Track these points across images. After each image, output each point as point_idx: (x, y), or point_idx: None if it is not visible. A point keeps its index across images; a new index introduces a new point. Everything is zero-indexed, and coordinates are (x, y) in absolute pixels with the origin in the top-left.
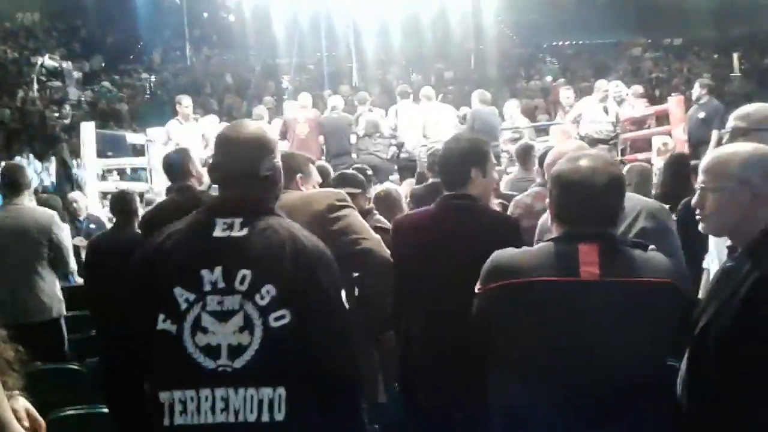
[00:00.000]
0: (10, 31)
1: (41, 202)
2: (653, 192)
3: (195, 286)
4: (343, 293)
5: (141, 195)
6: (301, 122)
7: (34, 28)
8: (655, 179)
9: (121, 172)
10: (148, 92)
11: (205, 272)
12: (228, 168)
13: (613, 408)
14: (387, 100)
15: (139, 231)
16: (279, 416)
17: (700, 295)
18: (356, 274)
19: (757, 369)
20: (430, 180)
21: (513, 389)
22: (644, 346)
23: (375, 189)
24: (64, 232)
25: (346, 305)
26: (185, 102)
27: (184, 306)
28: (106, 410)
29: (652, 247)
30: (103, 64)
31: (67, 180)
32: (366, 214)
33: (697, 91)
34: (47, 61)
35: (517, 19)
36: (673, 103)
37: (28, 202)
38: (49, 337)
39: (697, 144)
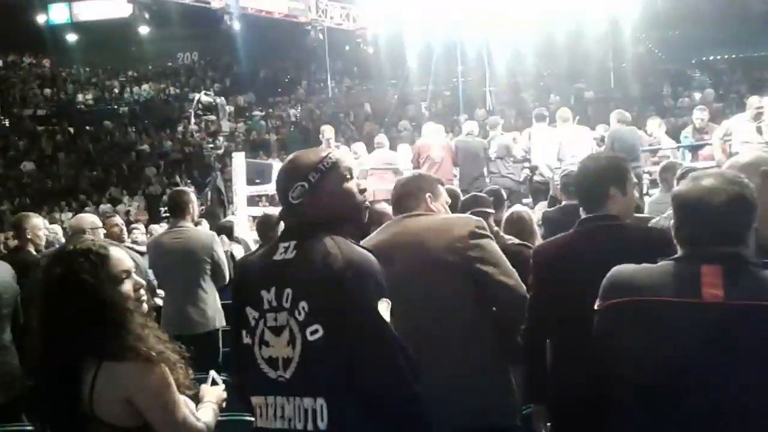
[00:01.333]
0: (171, 70)
1: (217, 226)
2: None
3: (258, 305)
4: (385, 305)
5: None
6: (436, 147)
7: (193, 67)
8: None
9: (271, 198)
10: (293, 123)
11: (264, 292)
12: (278, 199)
13: None
14: (523, 123)
15: None
16: (322, 425)
17: None
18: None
19: None
20: (564, 203)
21: (632, 411)
22: None
23: (507, 211)
24: (222, 250)
25: (386, 317)
26: (327, 133)
27: (252, 323)
28: (248, 418)
29: None
30: (254, 98)
31: (219, 206)
32: (494, 235)
33: None
34: (203, 97)
35: (662, 35)
36: None
37: (191, 223)
38: (207, 347)
39: None
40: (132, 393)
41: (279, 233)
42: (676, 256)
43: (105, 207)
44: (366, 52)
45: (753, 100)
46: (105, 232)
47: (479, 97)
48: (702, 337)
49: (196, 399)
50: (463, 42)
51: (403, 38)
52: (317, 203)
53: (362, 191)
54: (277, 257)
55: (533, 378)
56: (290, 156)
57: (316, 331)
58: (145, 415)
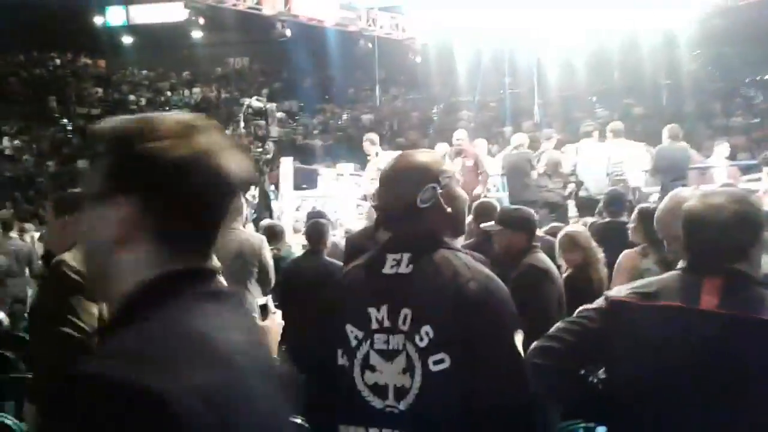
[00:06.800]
0: (222, 74)
1: (266, 229)
2: None
3: (363, 323)
4: (519, 337)
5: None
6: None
7: (243, 72)
8: None
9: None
10: (339, 130)
11: (372, 310)
12: (388, 202)
13: None
14: (570, 137)
15: (328, 258)
16: None
17: None
18: None
19: None
20: (608, 219)
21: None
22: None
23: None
24: (270, 254)
25: (521, 352)
26: (369, 143)
27: (354, 343)
28: None
29: None
30: (301, 104)
31: (266, 209)
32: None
33: None
34: (254, 101)
35: (718, 51)
36: None
37: (240, 226)
38: None
39: None
40: None
41: (378, 242)
42: (682, 266)
43: None
44: (414, 62)
45: None
46: None
47: (526, 110)
48: (695, 343)
49: None
50: (512, 52)
51: (452, 48)
52: (443, 209)
53: None
54: (387, 270)
55: None
56: (403, 155)
57: (441, 360)
58: None
